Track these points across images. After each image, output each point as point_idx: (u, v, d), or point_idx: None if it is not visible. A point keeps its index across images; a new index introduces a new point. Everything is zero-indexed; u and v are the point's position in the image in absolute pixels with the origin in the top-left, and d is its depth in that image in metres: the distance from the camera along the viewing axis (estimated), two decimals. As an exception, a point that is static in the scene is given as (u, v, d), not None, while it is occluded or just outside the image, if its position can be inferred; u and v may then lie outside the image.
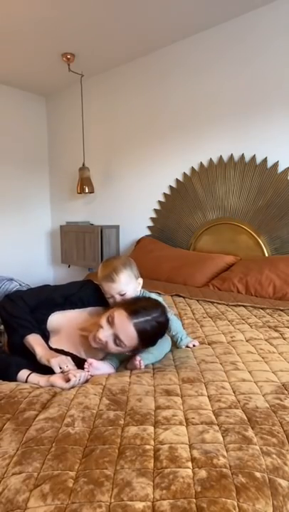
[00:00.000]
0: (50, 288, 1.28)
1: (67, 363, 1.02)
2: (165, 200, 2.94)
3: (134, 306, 1.08)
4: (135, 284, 1.24)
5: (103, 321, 1.07)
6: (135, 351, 1.10)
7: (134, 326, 1.03)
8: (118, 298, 1.19)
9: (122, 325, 1.03)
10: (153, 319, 1.06)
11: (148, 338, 1.06)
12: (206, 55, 2.57)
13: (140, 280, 1.29)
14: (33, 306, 1.19)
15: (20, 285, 1.54)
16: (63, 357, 1.04)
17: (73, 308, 1.24)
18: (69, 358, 1.05)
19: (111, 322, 1.05)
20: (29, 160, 3.81)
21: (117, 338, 1.04)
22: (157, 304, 1.12)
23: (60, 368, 1.01)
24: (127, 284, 1.20)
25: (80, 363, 1.07)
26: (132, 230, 3.21)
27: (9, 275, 1.58)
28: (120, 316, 1.05)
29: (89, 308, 1.26)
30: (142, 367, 1.06)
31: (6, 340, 1.25)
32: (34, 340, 1.08)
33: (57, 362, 1.01)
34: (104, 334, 1.04)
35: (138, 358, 1.07)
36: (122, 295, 1.19)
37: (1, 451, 0.67)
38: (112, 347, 1.06)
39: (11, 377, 1.01)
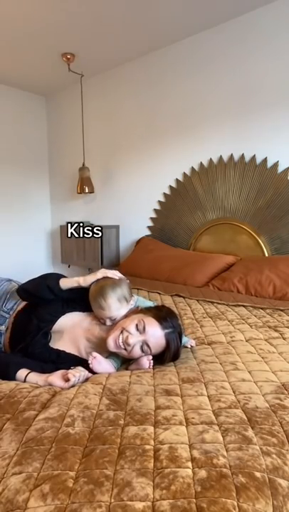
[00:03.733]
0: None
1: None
2: (165, 200, 2.94)
3: (160, 314, 1.10)
4: (126, 308, 1.21)
5: (131, 328, 1.06)
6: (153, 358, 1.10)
7: (164, 335, 1.06)
8: (108, 322, 1.18)
9: (154, 334, 1.05)
10: (176, 330, 1.09)
11: (173, 348, 1.08)
12: (206, 55, 2.57)
13: (133, 298, 1.26)
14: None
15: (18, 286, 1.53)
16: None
17: (82, 310, 1.24)
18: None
19: (141, 329, 1.05)
20: (29, 160, 3.81)
21: (145, 345, 1.05)
22: (174, 313, 1.15)
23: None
24: (118, 309, 1.16)
25: (80, 364, 1.07)
26: (132, 230, 3.20)
27: (8, 276, 1.57)
28: (152, 324, 1.06)
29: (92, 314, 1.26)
30: (151, 367, 1.06)
31: (5, 340, 1.25)
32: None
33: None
34: (134, 340, 1.04)
35: (150, 356, 1.07)
36: (112, 320, 1.17)
37: (1, 451, 0.67)
38: (137, 352, 1.06)
39: (10, 376, 1.01)
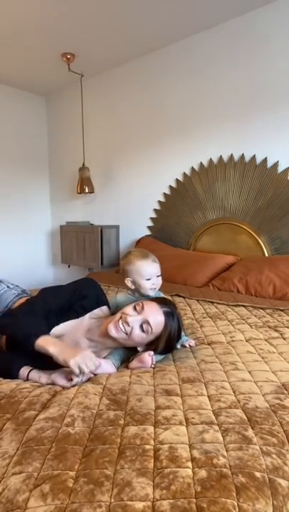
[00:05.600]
0: (48, 300, 1.20)
1: (87, 362, 0.94)
2: (165, 200, 2.94)
3: (158, 299, 1.17)
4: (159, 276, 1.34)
5: (129, 310, 1.10)
6: (151, 346, 1.11)
7: (163, 313, 1.08)
8: (156, 280, 1.30)
9: (151, 310, 1.08)
10: (174, 313, 1.12)
11: (170, 326, 1.09)
12: (206, 55, 2.57)
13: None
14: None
15: (8, 287, 1.51)
16: (85, 353, 0.96)
17: (76, 317, 1.23)
18: (90, 353, 0.98)
19: (140, 309, 1.09)
20: (29, 160, 3.81)
21: (145, 323, 1.07)
22: (173, 303, 1.20)
23: (80, 369, 0.94)
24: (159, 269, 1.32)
25: None
26: (132, 230, 3.20)
27: (7, 277, 1.57)
28: (150, 303, 1.11)
29: (88, 313, 1.25)
30: (154, 363, 1.07)
31: (3, 340, 1.25)
32: (45, 342, 0.99)
33: (76, 363, 0.93)
34: (132, 319, 1.07)
35: (151, 352, 1.08)
36: (158, 276, 1.30)
37: (1, 451, 0.67)
38: (138, 333, 1.07)
39: (13, 374, 1.00)
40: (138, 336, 1.07)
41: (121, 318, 1.09)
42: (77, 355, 0.95)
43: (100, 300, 1.29)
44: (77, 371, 0.94)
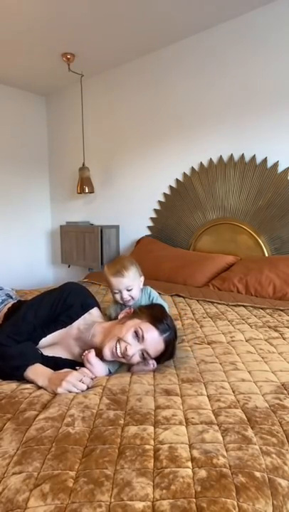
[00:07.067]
0: (30, 317, 1.14)
1: (76, 385, 0.93)
2: (165, 200, 2.94)
3: (155, 316, 1.09)
4: (139, 281, 1.33)
5: (129, 337, 1.03)
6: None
7: (163, 340, 1.05)
8: (125, 293, 1.27)
9: (152, 341, 1.04)
10: (172, 330, 1.09)
11: (170, 349, 1.08)
12: (206, 55, 2.57)
13: (142, 278, 1.36)
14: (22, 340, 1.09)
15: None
16: (72, 376, 0.95)
17: (64, 326, 1.19)
18: (77, 373, 0.97)
19: (140, 337, 1.03)
20: (29, 160, 3.81)
21: (145, 353, 1.04)
22: (165, 311, 1.17)
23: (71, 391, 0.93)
24: (134, 279, 1.29)
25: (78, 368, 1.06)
26: (132, 230, 3.21)
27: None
28: (150, 331, 1.04)
29: (77, 321, 1.21)
30: (155, 366, 1.07)
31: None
32: (33, 374, 0.98)
33: (64, 390, 0.91)
34: (133, 350, 1.03)
35: (151, 360, 1.07)
36: (129, 290, 1.27)
37: (1, 451, 0.67)
38: (137, 360, 1.05)
39: (19, 372, 0.99)
40: (137, 361, 1.06)
41: (118, 343, 1.03)
42: (64, 382, 0.92)
43: (86, 304, 1.22)
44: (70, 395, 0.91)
